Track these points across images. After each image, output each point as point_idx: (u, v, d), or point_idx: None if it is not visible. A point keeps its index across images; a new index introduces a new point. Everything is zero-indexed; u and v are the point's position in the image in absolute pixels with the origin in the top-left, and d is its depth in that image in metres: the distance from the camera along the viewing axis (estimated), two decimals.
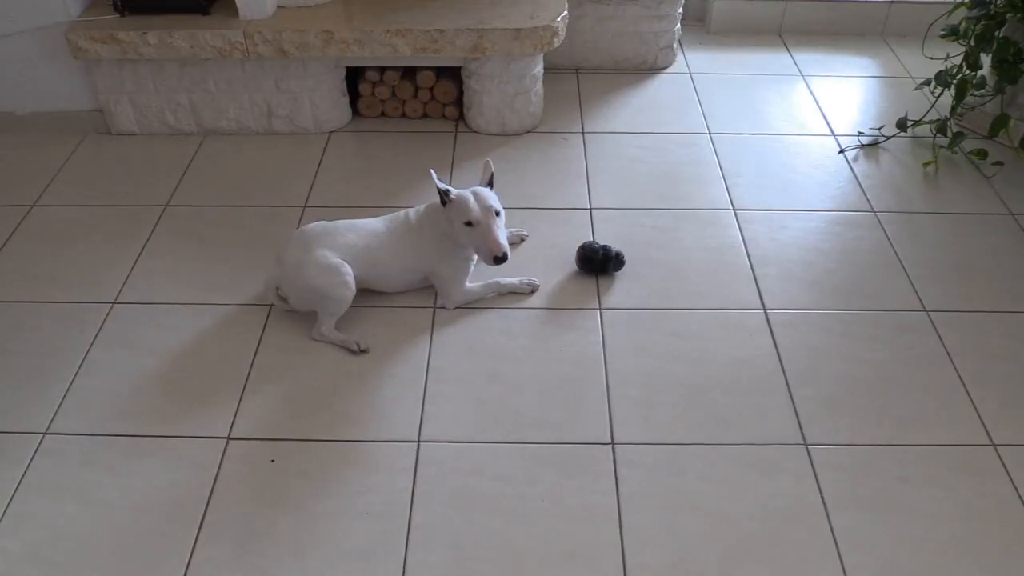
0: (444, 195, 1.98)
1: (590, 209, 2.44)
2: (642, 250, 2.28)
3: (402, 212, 2.13)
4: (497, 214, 1.98)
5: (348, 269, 1.99)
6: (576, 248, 2.21)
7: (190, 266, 2.24)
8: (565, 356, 1.98)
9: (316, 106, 2.72)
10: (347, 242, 2.02)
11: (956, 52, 2.66)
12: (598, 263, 2.17)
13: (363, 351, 1.99)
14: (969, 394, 1.90)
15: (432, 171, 1.98)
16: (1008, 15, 2.49)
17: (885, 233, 2.36)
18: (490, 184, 2.03)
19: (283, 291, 2.03)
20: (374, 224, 2.10)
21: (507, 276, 2.15)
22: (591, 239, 2.26)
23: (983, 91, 2.59)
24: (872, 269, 2.24)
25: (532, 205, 2.46)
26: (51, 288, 2.18)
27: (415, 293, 2.15)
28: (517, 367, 1.96)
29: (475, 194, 1.98)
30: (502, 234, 1.97)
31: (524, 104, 2.73)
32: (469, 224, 1.96)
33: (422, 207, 2.12)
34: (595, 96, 2.98)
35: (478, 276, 2.14)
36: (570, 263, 2.23)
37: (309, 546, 1.60)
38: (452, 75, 2.78)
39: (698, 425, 1.82)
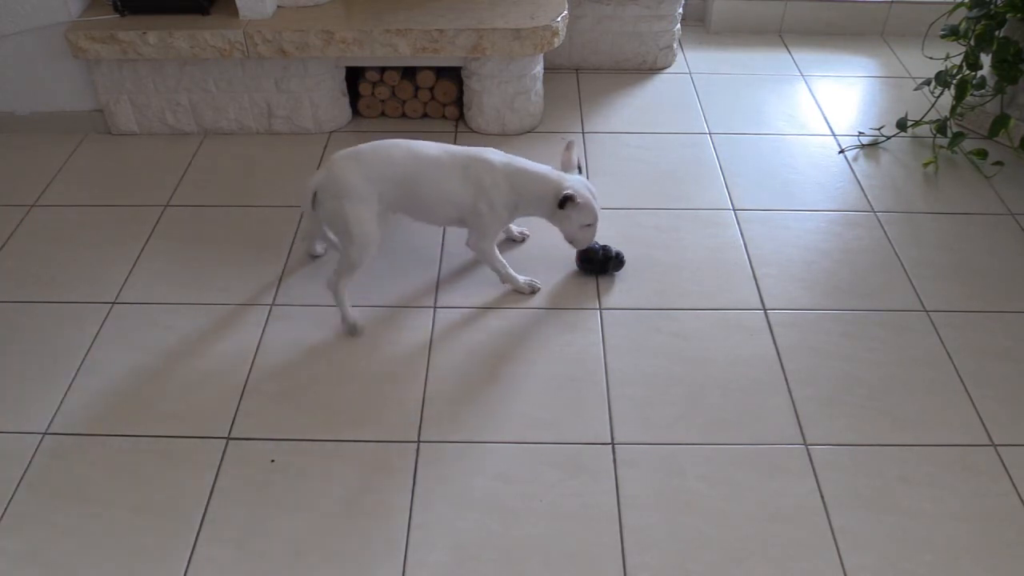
0: (568, 200, 1.96)
1: None
2: (642, 250, 2.28)
3: (462, 154, 2.01)
4: None
5: (377, 235, 1.94)
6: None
7: (190, 266, 2.24)
8: (565, 356, 1.98)
9: (316, 106, 2.72)
10: (395, 172, 1.94)
11: (956, 52, 2.66)
12: (598, 263, 2.17)
13: (356, 334, 1.99)
14: (969, 394, 1.90)
15: (572, 152, 2.05)
16: (1008, 15, 2.49)
17: (885, 233, 2.36)
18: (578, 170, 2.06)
19: (319, 197, 1.92)
20: (434, 152, 1.99)
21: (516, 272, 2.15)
22: None
23: (983, 91, 2.59)
24: (872, 269, 2.24)
25: None
26: (51, 288, 2.18)
27: (415, 293, 2.15)
28: (517, 367, 1.96)
29: (594, 196, 2.01)
30: None
31: (524, 104, 2.73)
32: (589, 226, 2.03)
33: (479, 163, 1.98)
34: (595, 96, 2.98)
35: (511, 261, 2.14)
36: (570, 263, 2.23)
37: (309, 546, 1.60)
38: (452, 75, 2.78)
39: (698, 425, 1.82)
